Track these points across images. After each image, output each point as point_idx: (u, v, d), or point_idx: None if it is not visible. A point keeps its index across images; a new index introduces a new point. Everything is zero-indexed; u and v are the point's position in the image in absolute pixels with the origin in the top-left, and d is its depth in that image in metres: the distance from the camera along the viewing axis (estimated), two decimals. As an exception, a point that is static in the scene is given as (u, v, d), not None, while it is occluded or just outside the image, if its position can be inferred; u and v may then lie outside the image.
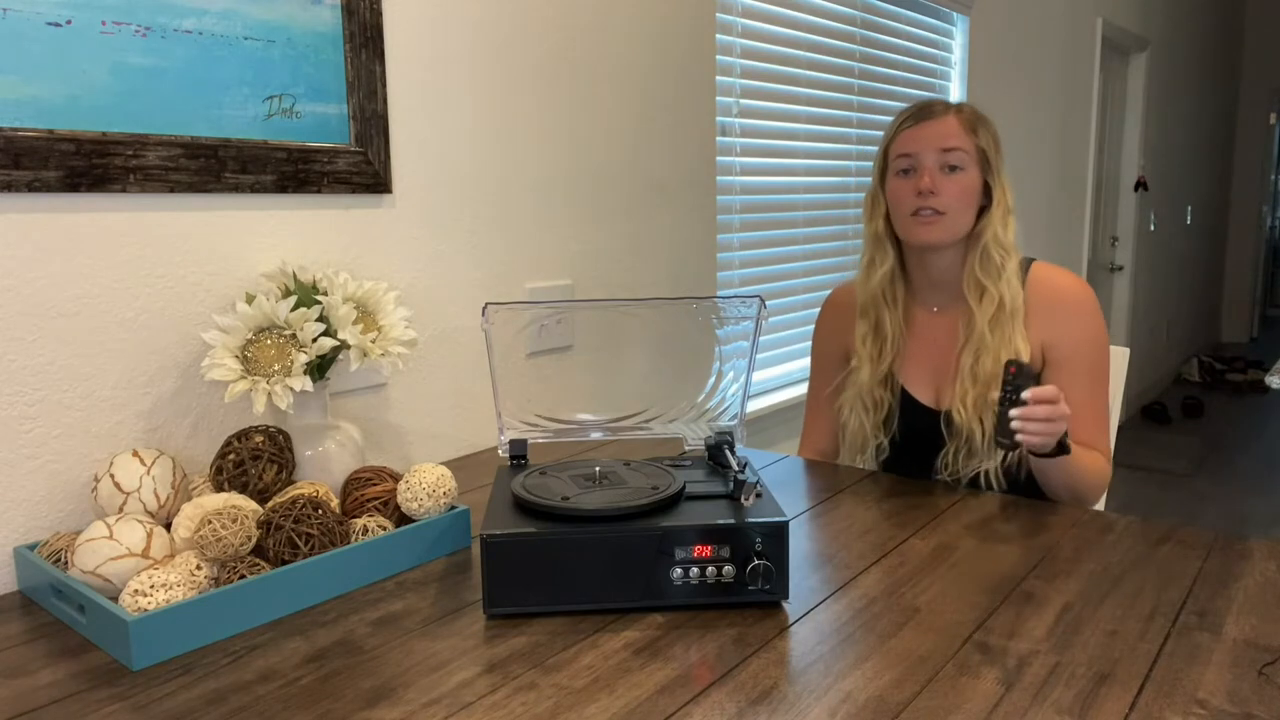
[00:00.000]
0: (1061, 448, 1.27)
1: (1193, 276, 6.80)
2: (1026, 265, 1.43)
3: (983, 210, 1.40)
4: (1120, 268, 5.12)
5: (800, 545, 1.13)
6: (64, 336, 1.11)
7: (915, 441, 1.46)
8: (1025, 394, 1.20)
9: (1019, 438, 1.21)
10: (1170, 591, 0.99)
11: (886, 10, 2.80)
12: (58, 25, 1.07)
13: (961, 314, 1.42)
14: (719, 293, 2.22)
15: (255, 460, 1.12)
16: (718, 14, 2.11)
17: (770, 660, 0.85)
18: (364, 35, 1.36)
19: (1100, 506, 1.55)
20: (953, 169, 1.37)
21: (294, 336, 1.15)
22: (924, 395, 1.45)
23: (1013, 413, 1.20)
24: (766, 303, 1.18)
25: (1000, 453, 1.36)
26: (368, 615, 0.97)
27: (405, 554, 1.08)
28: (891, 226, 1.44)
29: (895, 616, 0.94)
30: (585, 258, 1.82)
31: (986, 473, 1.38)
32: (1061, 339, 1.39)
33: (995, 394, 1.23)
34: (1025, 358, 1.36)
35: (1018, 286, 1.38)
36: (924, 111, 1.40)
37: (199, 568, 0.95)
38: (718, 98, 2.14)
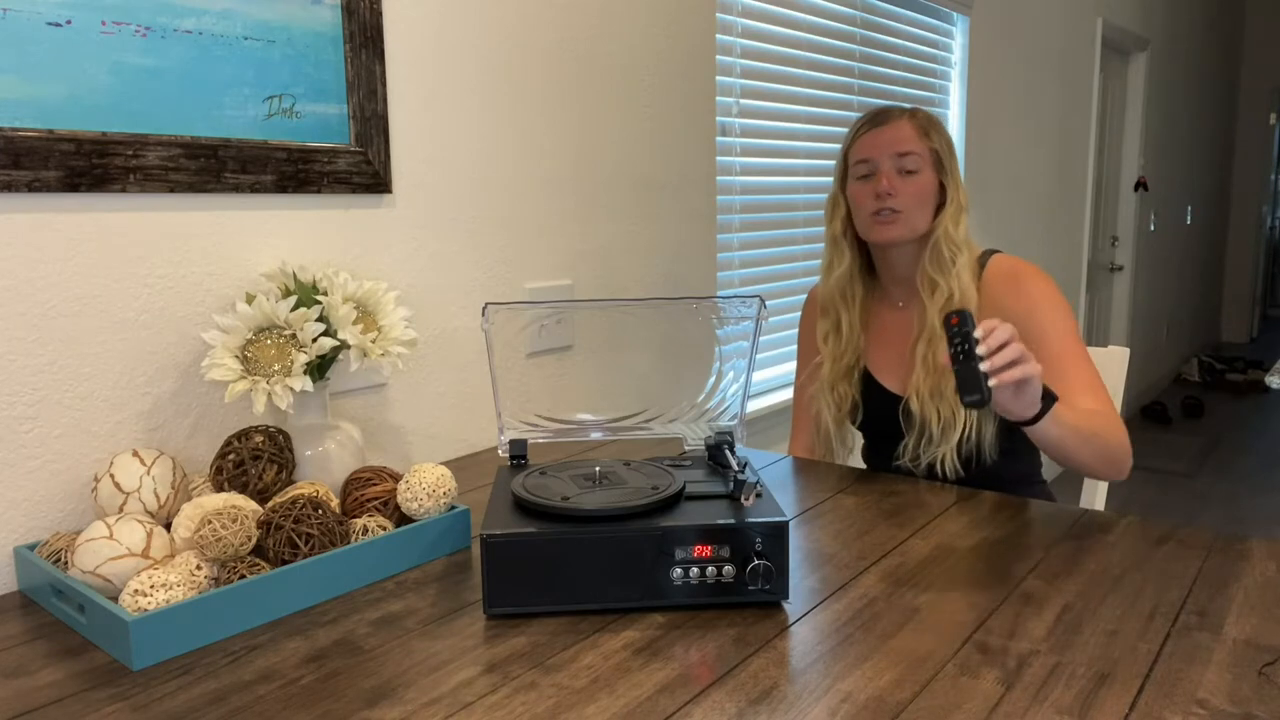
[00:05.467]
0: (1048, 397, 1.19)
1: (1193, 276, 6.80)
2: (985, 258, 1.48)
3: (939, 209, 1.47)
4: (1120, 268, 5.12)
5: (800, 545, 1.13)
6: (64, 336, 1.11)
7: (885, 430, 1.51)
8: (976, 333, 1.09)
9: (991, 381, 1.08)
10: (1170, 591, 0.99)
11: (886, 10, 2.80)
12: (58, 25, 1.07)
13: (919, 308, 1.47)
14: (719, 293, 2.22)
15: (255, 460, 1.12)
16: (718, 14, 2.11)
17: (770, 660, 0.85)
18: (364, 35, 1.36)
19: (1100, 506, 1.56)
20: (908, 172, 1.44)
21: (294, 336, 1.15)
22: (893, 385, 1.52)
23: (980, 350, 1.08)
24: (766, 303, 1.18)
25: (956, 435, 1.39)
26: (368, 615, 0.97)
27: (405, 554, 1.08)
28: (850, 228, 1.52)
29: (895, 616, 0.94)
30: (585, 258, 1.82)
31: (943, 460, 1.42)
32: (1016, 310, 1.39)
33: (944, 355, 1.13)
34: None
35: (969, 280, 1.42)
36: (879, 117, 1.48)
37: (199, 568, 0.95)
38: (718, 98, 2.14)
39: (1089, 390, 1.36)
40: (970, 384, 1.08)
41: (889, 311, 1.55)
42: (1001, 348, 1.10)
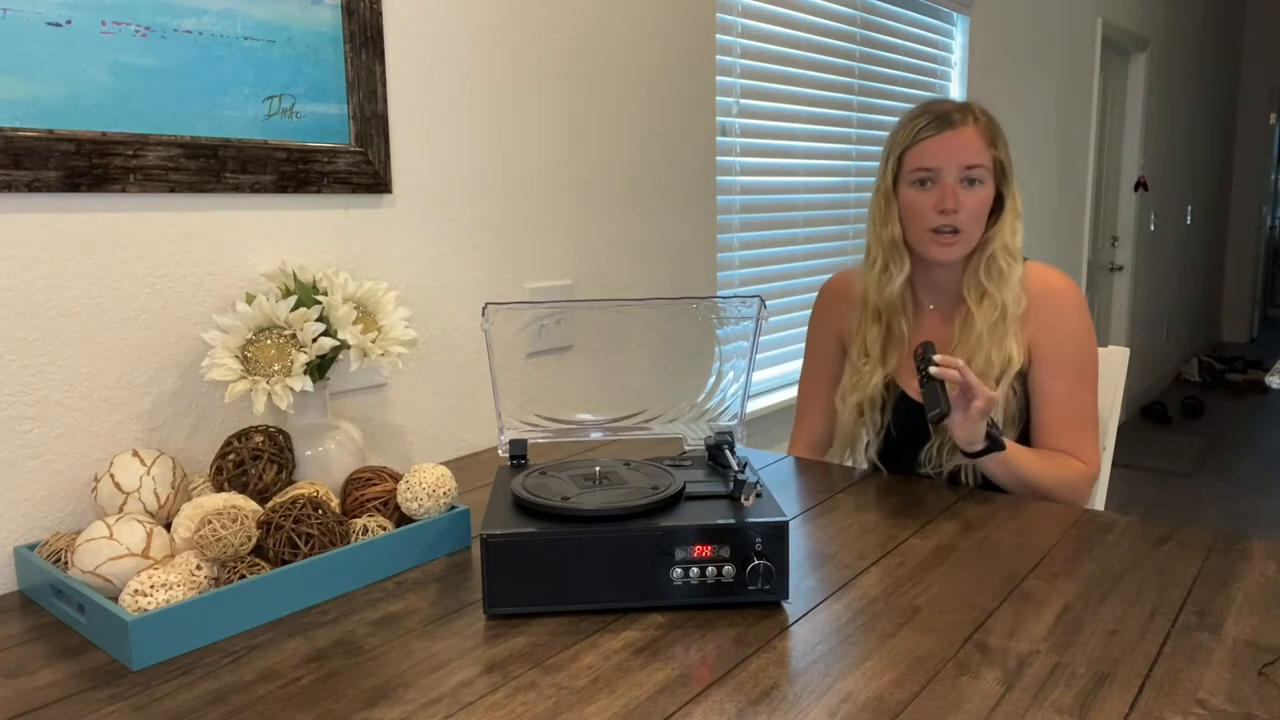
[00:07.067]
0: (993, 441, 1.28)
1: (1193, 276, 6.80)
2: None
3: (991, 214, 1.41)
4: (1120, 268, 5.12)
5: (800, 545, 1.13)
6: (64, 336, 1.11)
7: (905, 435, 1.47)
8: (936, 358, 1.24)
9: (947, 379, 1.22)
10: (1170, 591, 0.99)
11: (886, 10, 2.80)
12: (58, 25, 1.07)
13: (959, 314, 1.43)
14: (719, 293, 2.22)
15: (255, 460, 1.12)
16: (718, 14, 2.11)
17: (770, 660, 0.85)
18: (364, 35, 1.36)
19: (1100, 506, 1.56)
20: (972, 183, 1.37)
21: (294, 336, 1.15)
22: (916, 391, 1.46)
23: (935, 357, 1.23)
24: (766, 303, 1.18)
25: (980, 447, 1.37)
26: (368, 615, 0.97)
27: (405, 554, 1.08)
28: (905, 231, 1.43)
29: (895, 616, 0.94)
30: (585, 258, 1.82)
31: (968, 466, 1.40)
32: (1045, 336, 1.41)
33: (914, 382, 1.27)
34: (1018, 361, 1.39)
35: (1020, 292, 1.39)
36: (943, 121, 1.37)
37: (199, 568, 0.95)
38: (718, 98, 2.14)
39: (1082, 429, 1.40)
40: (931, 401, 1.23)
41: (920, 316, 1.49)
42: (956, 365, 1.23)
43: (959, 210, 1.35)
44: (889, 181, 1.43)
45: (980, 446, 1.28)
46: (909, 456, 1.47)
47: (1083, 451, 1.39)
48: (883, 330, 1.47)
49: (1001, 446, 1.29)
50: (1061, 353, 1.40)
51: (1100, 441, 1.54)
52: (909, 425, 1.46)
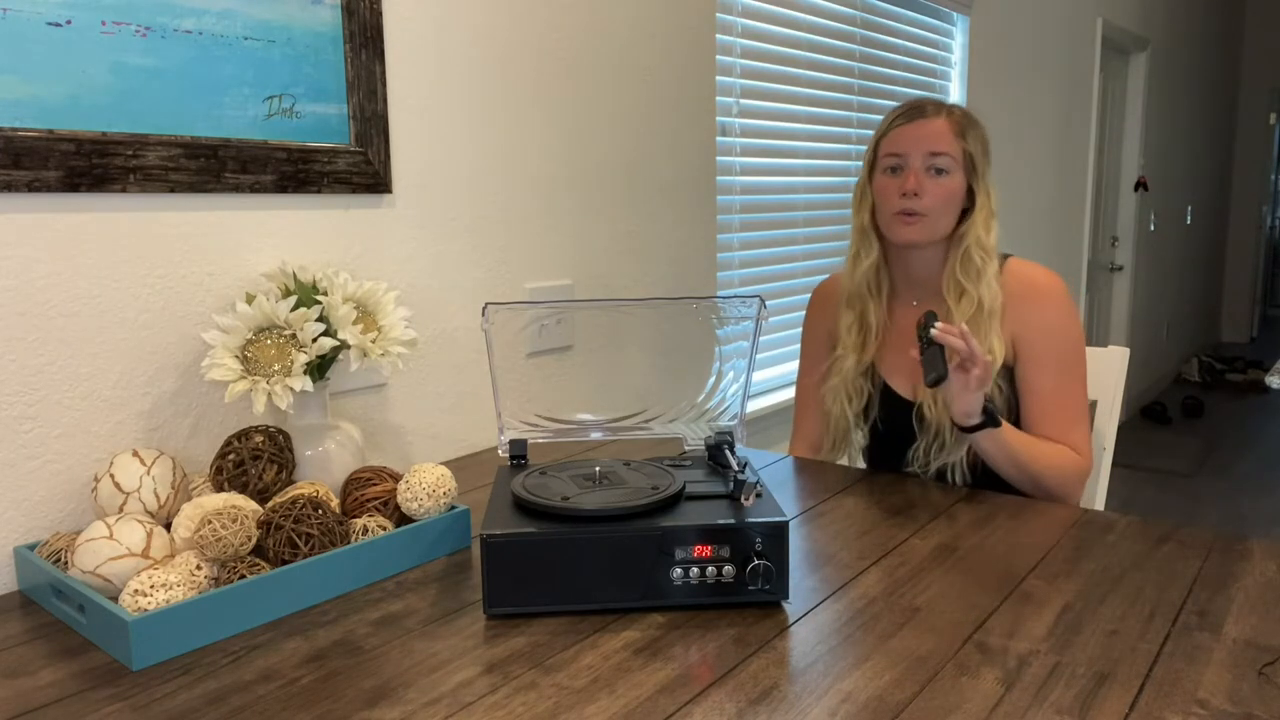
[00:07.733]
0: (989, 416, 1.29)
1: (1193, 276, 6.80)
2: (1002, 261, 1.45)
3: (965, 212, 1.43)
4: (1120, 268, 5.12)
5: (800, 545, 1.13)
6: (64, 336, 1.11)
7: (893, 432, 1.48)
8: (937, 324, 1.24)
9: (948, 346, 1.23)
10: (1170, 591, 0.99)
11: (886, 10, 2.80)
12: (58, 25, 1.07)
13: (940, 311, 1.43)
14: (719, 293, 2.22)
15: (255, 460, 1.12)
16: (718, 14, 2.11)
17: (770, 660, 0.85)
18: (364, 35, 1.36)
19: (1100, 506, 1.56)
20: (938, 171, 1.39)
21: (294, 336, 1.15)
22: (902, 388, 1.48)
23: (936, 326, 1.24)
24: (766, 303, 1.18)
25: (966, 447, 1.38)
26: (368, 615, 0.97)
27: (405, 554, 1.08)
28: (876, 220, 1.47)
29: (895, 616, 0.94)
30: (585, 258, 1.82)
31: (954, 466, 1.40)
32: (1028, 328, 1.41)
33: (915, 351, 1.27)
34: (1000, 359, 1.39)
35: (997, 289, 1.40)
36: (915, 111, 1.42)
37: (199, 568, 0.95)
38: (718, 98, 2.14)
39: (1071, 420, 1.40)
40: (929, 366, 1.23)
41: (902, 310, 1.50)
42: (956, 334, 1.23)
43: (921, 195, 1.38)
44: (866, 172, 1.48)
45: (977, 420, 1.29)
46: (896, 453, 1.48)
47: (1075, 443, 1.40)
48: (856, 316, 1.49)
49: (998, 423, 1.30)
50: (1045, 346, 1.41)
51: (1094, 439, 1.54)
52: (896, 423, 1.47)
